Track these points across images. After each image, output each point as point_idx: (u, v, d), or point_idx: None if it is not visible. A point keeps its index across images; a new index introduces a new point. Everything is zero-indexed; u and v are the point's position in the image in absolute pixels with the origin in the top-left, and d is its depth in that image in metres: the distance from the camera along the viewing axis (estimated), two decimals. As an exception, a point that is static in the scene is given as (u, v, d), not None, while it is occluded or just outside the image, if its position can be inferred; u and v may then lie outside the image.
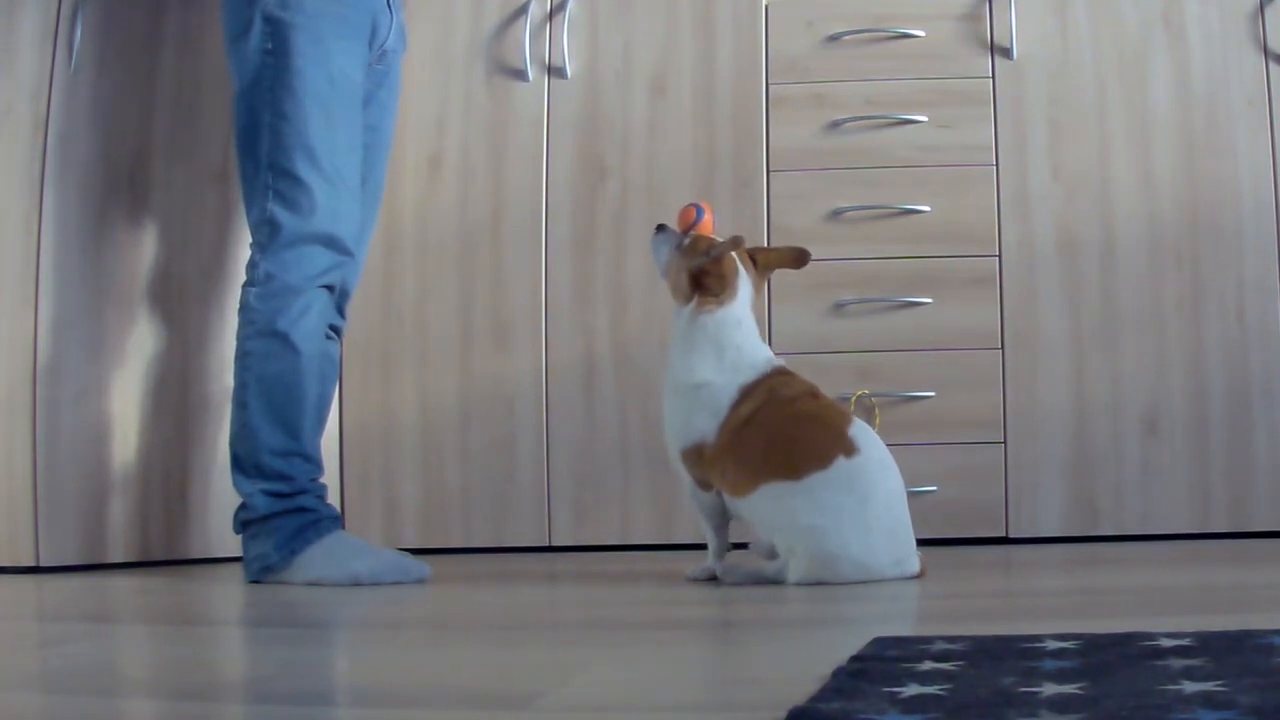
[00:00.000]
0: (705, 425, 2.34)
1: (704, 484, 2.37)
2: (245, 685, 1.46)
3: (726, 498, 2.34)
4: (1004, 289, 3.04)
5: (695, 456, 2.36)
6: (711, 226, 2.45)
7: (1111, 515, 3.00)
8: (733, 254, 2.39)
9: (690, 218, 2.44)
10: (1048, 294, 3.03)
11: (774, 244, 3.06)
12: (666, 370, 2.44)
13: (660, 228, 2.48)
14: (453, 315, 3.14)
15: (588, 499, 3.09)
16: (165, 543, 2.90)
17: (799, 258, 2.47)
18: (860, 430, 2.29)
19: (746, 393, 2.33)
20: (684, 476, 2.40)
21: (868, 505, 2.23)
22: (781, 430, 2.29)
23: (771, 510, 2.26)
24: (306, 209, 2.57)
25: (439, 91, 3.17)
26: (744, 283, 2.40)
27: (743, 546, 2.56)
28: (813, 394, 2.35)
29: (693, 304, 2.39)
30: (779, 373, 2.37)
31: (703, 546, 3.02)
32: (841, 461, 2.24)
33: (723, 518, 2.42)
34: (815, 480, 2.23)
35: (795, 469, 2.24)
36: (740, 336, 2.38)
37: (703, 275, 2.38)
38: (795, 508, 2.23)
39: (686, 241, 2.42)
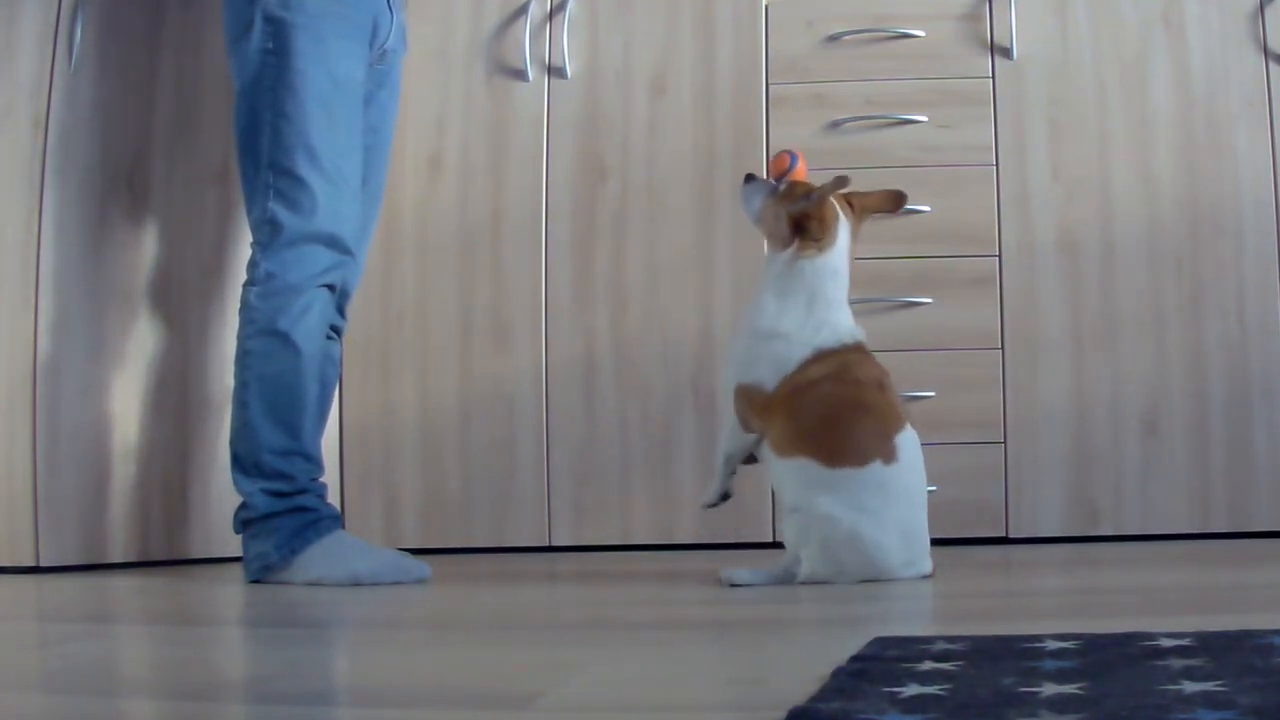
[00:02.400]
0: (766, 375, 2.31)
1: (747, 425, 2.35)
2: (245, 685, 1.46)
3: (765, 450, 2.33)
4: (1004, 289, 3.04)
5: (748, 397, 2.33)
6: (805, 174, 2.42)
7: (1111, 515, 2.99)
8: (832, 199, 2.36)
9: (784, 164, 2.41)
10: (1048, 294, 3.03)
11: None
12: (747, 309, 2.41)
13: (749, 177, 2.46)
14: (453, 315, 3.14)
15: (588, 499, 3.09)
16: (165, 543, 2.90)
17: (897, 201, 2.44)
18: (906, 438, 2.29)
19: (820, 356, 2.30)
20: (728, 414, 2.37)
21: (888, 509, 2.24)
22: (836, 412, 2.28)
23: (797, 485, 2.27)
24: (308, 208, 2.57)
25: (439, 91, 3.17)
26: (843, 229, 2.37)
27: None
28: (880, 385, 2.32)
29: (791, 249, 2.36)
30: (858, 349, 2.34)
31: (703, 546, 3.03)
32: (878, 466, 2.25)
33: (737, 463, 2.40)
34: (845, 474, 2.24)
35: (832, 456, 2.25)
36: (834, 290, 2.35)
37: (804, 219, 2.34)
38: (817, 492, 2.24)
39: (783, 187, 2.39)
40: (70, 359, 2.79)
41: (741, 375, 2.34)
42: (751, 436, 2.35)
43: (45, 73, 2.79)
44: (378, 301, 3.15)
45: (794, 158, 2.41)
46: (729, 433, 2.39)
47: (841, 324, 2.34)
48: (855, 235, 2.40)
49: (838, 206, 2.37)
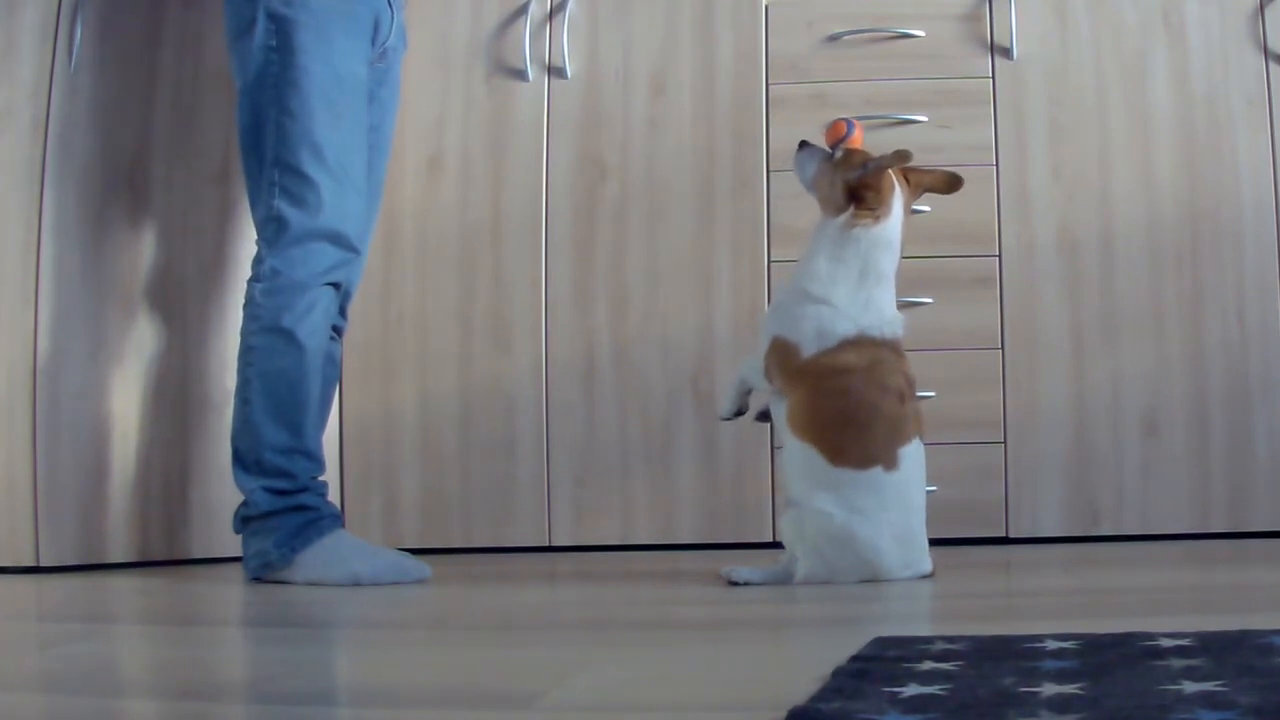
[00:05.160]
0: (807, 338, 2.30)
1: (770, 377, 2.34)
2: (245, 685, 1.46)
3: (780, 420, 2.32)
4: (1004, 289, 3.04)
5: (782, 353, 2.31)
6: (861, 142, 2.41)
7: (1111, 515, 2.99)
8: (889, 170, 2.34)
9: (841, 131, 2.39)
10: (1048, 294, 3.03)
11: (775, 244, 3.07)
12: (795, 273, 2.39)
13: (803, 144, 2.44)
14: (453, 315, 3.14)
15: (588, 499, 3.09)
16: (165, 543, 2.90)
17: (953, 182, 2.43)
18: (911, 449, 2.29)
19: (860, 341, 2.29)
20: (756, 361, 2.37)
21: (883, 512, 2.25)
22: (853, 412, 2.28)
23: (799, 472, 2.28)
24: (313, 205, 2.57)
25: (439, 91, 3.17)
26: (898, 202, 2.36)
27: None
28: (902, 396, 2.31)
29: (846, 216, 2.34)
30: (894, 347, 2.33)
31: (703, 546, 3.03)
32: (878, 472, 2.26)
33: (748, 389, 2.40)
34: (845, 475, 2.25)
35: (836, 454, 2.25)
36: (887, 263, 2.34)
37: (862, 188, 2.33)
38: (816, 487, 2.25)
39: (839, 154, 2.38)
40: (70, 358, 2.79)
41: (783, 329, 2.33)
42: (766, 386, 2.35)
43: (45, 73, 2.79)
44: (378, 301, 3.15)
45: (850, 125, 2.39)
46: (752, 366, 2.38)
47: (887, 309, 2.33)
48: (908, 210, 2.39)
49: (895, 179, 2.36)
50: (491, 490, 3.10)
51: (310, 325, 2.58)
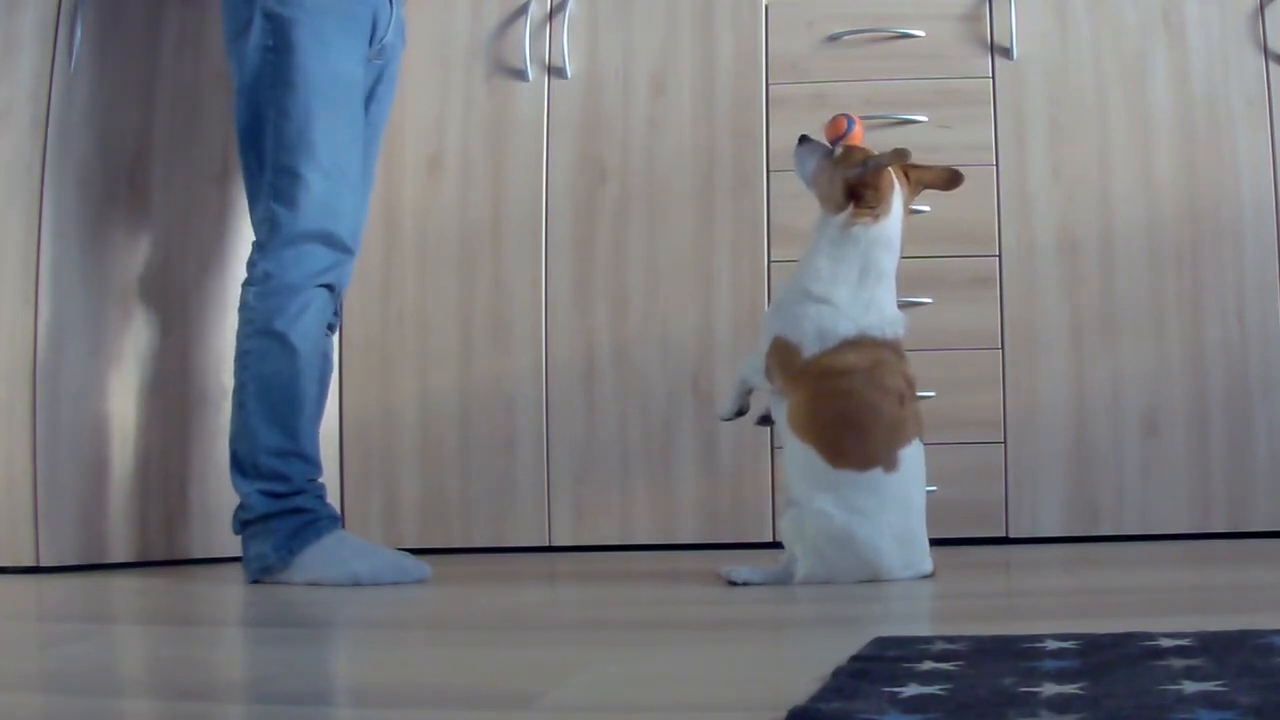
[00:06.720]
0: (808, 339, 2.30)
1: (771, 377, 2.34)
2: (245, 685, 1.46)
3: (781, 420, 2.32)
4: (1004, 289, 3.04)
5: (783, 354, 2.31)
6: (861, 138, 2.40)
7: (1111, 515, 2.99)
8: (888, 169, 2.34)
9: (841, 128, 2.39)
10: (1048, 294, 3.03)
11: (775, 244, 3.07)
12: (796, 272, 2.39)
13: (803, 139, 2.44)
14: (453, 315, 3.14)
15: (588, 499, 3.09)
16: (165, 543, 2.90)
17: (952, 179, 2.43)
18: (911, 450, 2.29)
19: (862, 342, 2.29)
20: (758, 360, 2.36)
21: (883, 513, 2.25)
22: (853, 415, 2.28)
23: (800, 473, 2.28)
24: (305, 206, 2.56)
25: (439, 91, 3.17)
26: (898, 199, 2.36)
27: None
28: (901, 398, 2.31)
29: (845, 214, 2.34)
30: (895, 348, 2.32)
31: (703, 546, 3.03)
32: (878, 473, 2.26)
33: (749, 389, 2.40)
34: (845, 476, 2.25)
35: (836, 455, 2.26)
36: (887, 261, 2.33)
37: (861, 186, 2.33)
38: (816, 488, 2.25)
39: (839, 151, 2.38)
40: (70, 358, 2.79)
41: (784, 329, 2.33)
42: (769, 390, 2.35)
43: (45, 73, 2.79)
44: (378, 301, 3.15)
45: (850, 121, 2.39)
46: (753, 365, 2.38)
47: (887, 309, 2.33)
48: (907, 208, 2.39)
49: (894, 176, 2.36)
50: (491, 490, 3.10)
51: (303, 328, 2.58)
